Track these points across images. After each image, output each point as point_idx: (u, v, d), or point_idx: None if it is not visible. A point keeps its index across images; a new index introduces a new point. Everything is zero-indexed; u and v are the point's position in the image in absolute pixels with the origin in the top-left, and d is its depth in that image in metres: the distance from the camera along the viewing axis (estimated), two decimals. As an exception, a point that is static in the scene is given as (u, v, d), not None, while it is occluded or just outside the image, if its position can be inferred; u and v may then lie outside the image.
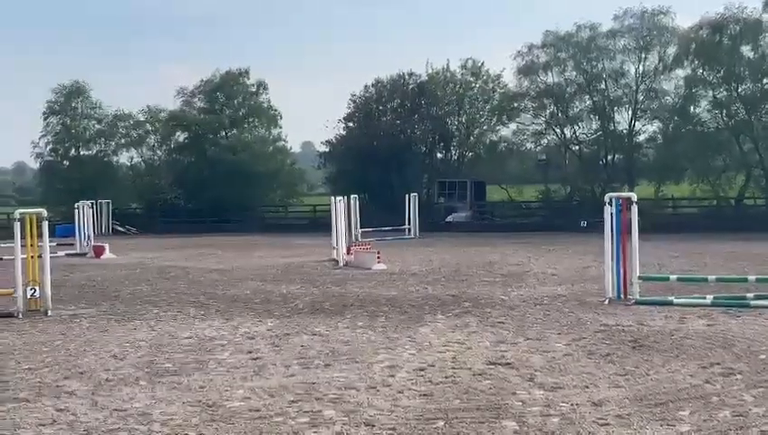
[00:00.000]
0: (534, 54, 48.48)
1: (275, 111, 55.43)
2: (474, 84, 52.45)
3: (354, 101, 54.04)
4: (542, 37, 48.10)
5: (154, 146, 56.73)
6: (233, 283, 19.49)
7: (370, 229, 34.88)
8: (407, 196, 38.70)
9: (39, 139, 55.18)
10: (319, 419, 7.43)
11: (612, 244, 14.95)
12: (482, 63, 52.55)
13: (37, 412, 7.85)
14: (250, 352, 10.71)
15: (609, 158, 48.73)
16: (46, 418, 7.65)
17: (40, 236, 15.45)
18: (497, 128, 52.73)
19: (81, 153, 55.48)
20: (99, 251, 29.42)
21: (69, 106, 54.81)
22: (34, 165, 62.34)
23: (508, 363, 9.67)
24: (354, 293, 17.08)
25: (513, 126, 51.58)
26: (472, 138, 53.25)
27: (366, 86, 53.95)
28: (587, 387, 8.45)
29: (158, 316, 14.21)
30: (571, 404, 7.76)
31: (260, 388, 8.65)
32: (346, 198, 27.30)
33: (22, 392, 8.64)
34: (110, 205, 47.42)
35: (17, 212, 15.73)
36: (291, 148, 58.91)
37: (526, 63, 48.58)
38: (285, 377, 9.18)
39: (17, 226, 15.20)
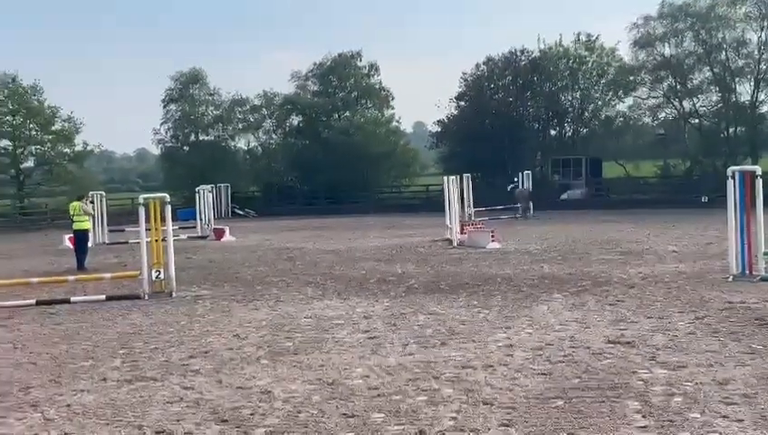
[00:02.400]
0: (651, 26, 47.25)
1: (387, 91, 55.68)
2: (588, 59, 51.45)
3: (466, 80, 53.77)
4: (658, 8, 46.85)
5: (270, 130, 57.77)
6: (349, 263, 19.72)
7: (484, 208, 34.68)
8: (520, 174, 38.31)
9: (160, 126, 57.07)
10: (437, 397, 7.46)
11: (736, 219, 14.47)
12: (596, 37, 51.56)
13: (164, 390, 8.13)
14: (367, 331, 10.83)
15: (731, 130, 47.10)
16: (173, 396, 7.92)
17: (163, 220, 15.95)
18: (613, 102, 51.70)
19: (200, 139, 56.98)
20: (219, 234, 30.22)
21: (187, 93, 56.34)
22: (156, 151, 64.44)
23: (628, 342, 9.49)
24: (469, 272, 17.05)
25: (629, 100, 50.53)
26: (586, 113, 52.29)
27: (477, 64, 53.65)
28: (711, 366, 8.22)
29: (277, 297, 14.51)
30: (695, 383, 7.57)
31: (378, 366, 8.74)
32: (459, 177, 27.22)
33: (150, 371, 8.97)
34: (229, 189, 48.61)
35: (141, 197, 16.25)
36: (403, 128, 59.06)
37: (642, 36, 47.40)
38: (402, 356, 9.25)
39: (142, 210, 15.73)
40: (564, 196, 45.90)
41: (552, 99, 51.09)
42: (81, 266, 20.65)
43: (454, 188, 25.31)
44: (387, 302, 13.40)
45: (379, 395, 7.61)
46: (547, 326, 10.73)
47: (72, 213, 21.48)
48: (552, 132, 53.66)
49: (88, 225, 21.73)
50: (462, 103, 53.77)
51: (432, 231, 27.06)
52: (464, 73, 53.55)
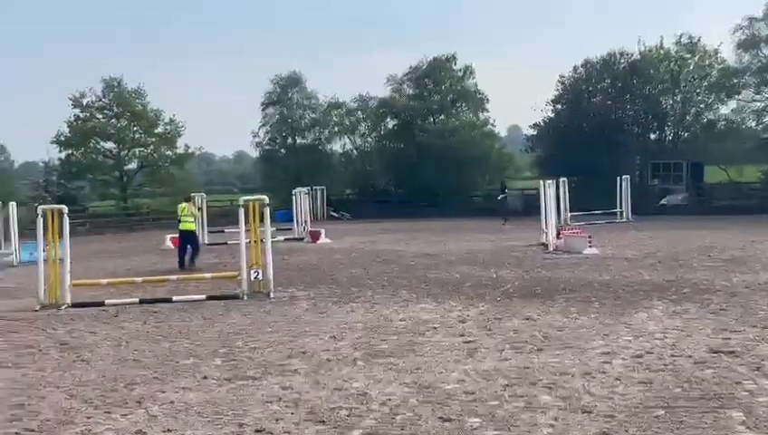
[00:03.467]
0: (755, 27, 45.78)
1: (482, 95, 55.32)
2: (689, 61, 50.11)
3: (563, 83, 53.02)
4: (764, 9, 45.31)
5: (365, 133, 58.11)
6: (443, 267, 19.70)
7: (580, 213, 34.20)
8: (618, 178, 37.63)
9: (258, 129, 57.96)
10: (534, 403, 7.40)
11: None
12: (698, 39, 50.17)
13: (264, 390, 8.28)
14: (462, 336, 10.81)
15: (844, 134, 45.27)
16: (272, 395, 8.05)
17: (262, 221, 16.22)
18: (715, 106, 50.22)
19: (297, 142, 57.69)
20: (315, 236, 30.56)
21: (286, 97, 57.14)
22: (254, 154, 65.49)
23: (732, 352, 9.23)
24: (565, 277, 16.84)
25: (732, 103, 48.98)
26: (688, 117, 50.93)
27: (575, 67, 52.81)
28: (821, 379, 7.94)
29: (372, 299, 14.61)
30: (804, 397, 7.32)
31: (474, 371, 8.72)
32: (555, 181, 26.90)
33: (249, 371, 9.14)
34: (325, 191, 49.06)
35: (242, 199, 16.55)
36: (498, 132, 58.61)
37: (747, 37, 45.97)
38: (498, 361, 9.20)
39: (241, 212, 16.03)
40: (664, 201, 44.85)
41: (651, 102, 49.93)
42: (181, 265, 21.16)
43: (550, 193, 25.02)
44: (482, 306, 13.35)
45: (475, 400, 7.59)
46: (647, 334, 10.53)
47: (179, 214, 21.99)
48: (652, 136, 52.39)
49: (193, 226, 22.19)
50: (558, 106, 53.02)
51: (527, 235, 26.79)
52: (561, 76, 52.87)
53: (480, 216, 42.19)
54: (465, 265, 19.71)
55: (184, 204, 22.33)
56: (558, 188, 28.30)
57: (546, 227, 24.30)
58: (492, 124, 56.21)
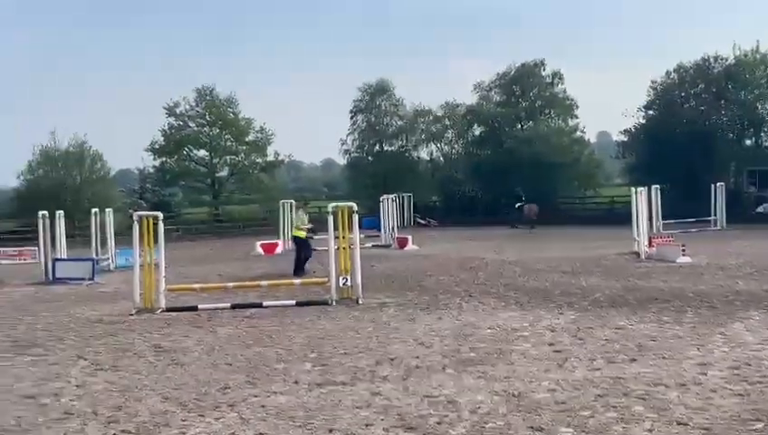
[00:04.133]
0: None
1: (571, 100, 54.71)
2: (788, 65, 48.63)
3: (654, 88, 52.01)
4: None
5: (452, 140, 58.07)
6: (531, 274, 19.52)
7: (673, 221, 33.46)
8: (712, 185, 36.74)
9: (346, 136, 58.50)
10: (627, 414, 7.27)
11: None
12: (797, 43, 48.62)
13: (353, 395, 8.34)
14: (552, 344, 10.70)
15: None
16: (362, 401, 8.10)
17: (350, 228, 16.33)
18: (816, 111, 48.62)
19: (385, 149, 57.99)
20: (402, 242, 30.64)
21: (374, 104, 57.53)
22: (341, 161, 66.05)
23: (835, 365, 8.92)
24: (658, 286, 16.50)
25: (831, 108, 47.36)
26: (786, 122, 49.43)
27: (667, 72, 51.77)
28: None
29: (460, 306, 14.57)
30: None
31: (564, 380, 8.62)
32: (647, 188, 26.40)
33: (339, 376, 9.22)
34: (412, 198, 49.14)
35: (330, 205, 16.69)
36: (587, 138, 57.81)
37: None
38: (590, 370, 9.07)
39: (330, 218, 16.17)
40: (760, 208, 43.57)
41: (747, 107, 48.63)
42: (296, 272, 21.32)
43: (642, 200, 24.56)
44: (572, 315, 13.19)
45: (566, 410, 7.50)
46: (743, 345, 10.25)
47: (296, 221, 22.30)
48: (747, 142, 51.00)
49: (303, 233, 22.31)
50: (650, 112, 52.07)
51: (618, 244, 26.33)
52: (653, 82, 51.91)
53: (569, 223, 41.68)
54: (554, 273, 19.50)
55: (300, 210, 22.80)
56: (650, 195, 27.78)
57: (638, 236, 23.86)
58: (581, 130, 55.54)
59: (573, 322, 12.50)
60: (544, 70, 54.46)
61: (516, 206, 40.12)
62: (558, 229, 38.03)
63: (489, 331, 11.93)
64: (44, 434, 7.34)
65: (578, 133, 55.22)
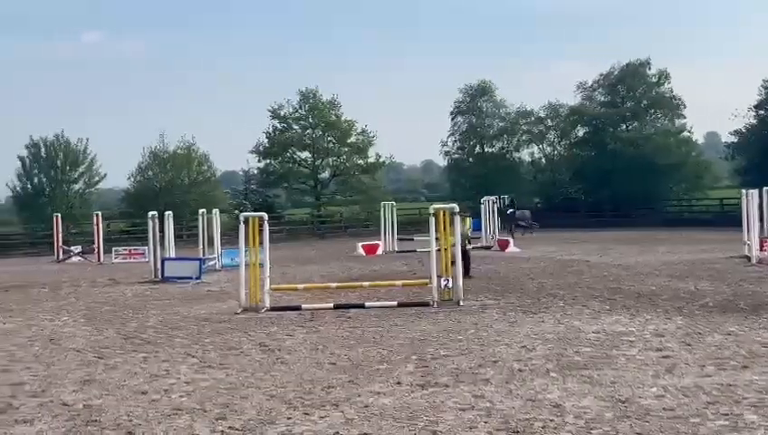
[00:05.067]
0: None
1: (678, 100, 53.36)
2: None
3: (766, 88, 50.32)
4: None
5: (554, 141, 57.41)
6: (637, 278, 19.12)
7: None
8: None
9: (447, 137, 58.48)
10: (739, 422, 7.06)
11: None
12: None
13: (456, 397, 8.32)
14: (660, 350, 10.46)
15: None
16: (465, 403, 8.07)
17: (451, 229, 16.30)
18: None
19: (485, 150, 57.74)
20: (503, 244, 30.44)
21: (475, 105, 57.37)
22: (441, 162, 66.07)
23: None
24: (771, 292, 15.97)
25: None
26: None
27: (780, 70, 49.99)
28: None
29: (563, 310, 14.38)
30: None
31: (673, 386, 8.41)
32: (758, 190, 25.54)
33: (441, 378, 9.21)
34: (513, 200, 48.72)
35: (431, 207, 16.70)
36: (695, 139, 56.31)
37: None
38: (699, 377, 8.84)
39: (432, 220, 16.18)
40: None
41: None
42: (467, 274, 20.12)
43: (752, 203, 23.79)
44: (680, 320, 12.86)
45: (675, 417, 7.33)
46: None
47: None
48: None
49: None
50: (762, 112, 50.40)
51: (727, 247, 25.58)
52: (764, 81, 50.22)
53: (675, 226, 40.71)
54: (661, 277, 19.05)
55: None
56: (761, 197, 26.87)
57: (749, 239, 23.12)
58: (688, 131, 54.13)
59: (681, 327, 12.19)
60: (650, 69, 53.32)
61: (508, 212, 39.98)
62: (664, 232, 37.17)
63: (594, 335, 11.74)
64: (155, 429, 7.54)
65: (685, 134, 53.85)
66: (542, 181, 57.01)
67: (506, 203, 41.17)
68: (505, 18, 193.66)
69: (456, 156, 58.85)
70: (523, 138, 57.54)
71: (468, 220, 21.64)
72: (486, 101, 57.50)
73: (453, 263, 15.97)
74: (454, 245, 16.14)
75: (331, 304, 15.66)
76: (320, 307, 15.46)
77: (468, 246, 20.97)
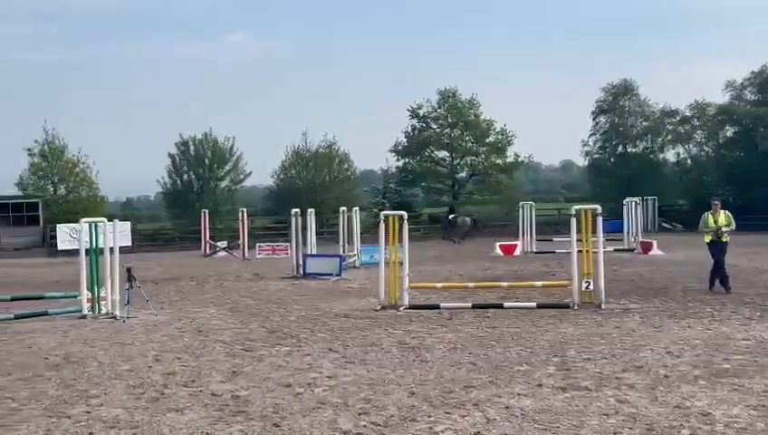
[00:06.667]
0: None
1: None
2: None
3: None
4: None
5: (701, 142, 55.53)
6: (791, 284, 18.28)
7: None
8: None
9: (588, 137, 57.47)
10: None
11: None
12: None
13: (599, 402, 8.17)
14: (817, 360, 9.98)
15: None
16: (608, 408, 7.92)
17: (594, 231, 16.00)
18: None
19: (628, 150, 56.45)
20: (646, 247, 29.66)
21: (617, 104, 56.15)
22: (581, 162, 64.96)
23: None
24: None
25: None
26: None
27: None
28: None
29: (711, 315, 13.91)
30: None
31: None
32: None
33: (583, 381, 9.06)
34: (656, 201, 47.46)
35: (573, 208, 16.44)
36: None
37: None
38: None
39: (573, 221, 15.93)
40: None
41: None
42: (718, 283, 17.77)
43: None
44: (838, 329, 12.23)
45: (834, 431, 6.98)
46: None
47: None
48: None
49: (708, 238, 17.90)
50: None
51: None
52: None
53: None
54: (817, 284, 18.15)
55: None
56: None
57: None
58: None
59: (840, 337, 11.59)
60: (807, 66, 50.87)
61: (449, 218, 38.94)
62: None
63: (744, 342, 11.30)
64: (300, 422, 7.72)
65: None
66: (687, 182, 55.20)
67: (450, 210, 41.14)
68: (646, 18, 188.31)
69: (597, 156, 57.75)
70: (668, 138, 55.90)
71: (725, 214, 17.77)
72: (629, 99, 56.18)
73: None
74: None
75: (470, 304, 15.64)
76: (458, 306, 15.47)
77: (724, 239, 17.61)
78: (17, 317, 15.17)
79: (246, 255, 33.84)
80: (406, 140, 55.38)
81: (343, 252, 26.58)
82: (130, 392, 9.10)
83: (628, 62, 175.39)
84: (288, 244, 29.23)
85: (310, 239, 26.22)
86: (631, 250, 30.32)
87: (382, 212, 17.48)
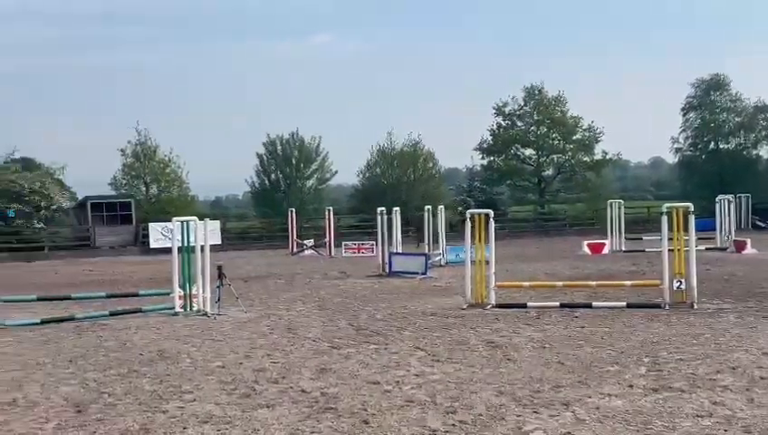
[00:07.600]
0: None
1: None
2: None
3: None
4: None
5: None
6: None
7: None
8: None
9: (678, 134, 56.34)
10: None
11: None
12: None
13: (692, 403, 7.99)
14: None
15: None
16: (702, 410, 7.75)
17: (686, 229, 15.66)
18: None
19: (720, 147, 55.12)
20: (740, 246, 28.91)
21: (708, 100, 54.88)
22: (671, 159, 63.68)
23: None
24: None
25: None
26: None
27: None
28: None
29: (809, 316, 13.48)
30: None
31: None
32: None
33: (676, 383, 8.88)
34: (749, 199, 46.19)
35: (665, 206, 16.13)
36: None
37: None
38: None
39: (664, 219, 15.62)
40: None
41: None
42: None
43: None
44: None
45: None
46: None
47: None
48: None
49: None
50: None
51: None
52: None
53: None
54: None
55: None
56: None
57: None
58: None
59: None
60: None
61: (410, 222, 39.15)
62: None
63: None
64: (389, 420, 7.76)
65: None
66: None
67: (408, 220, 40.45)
68: (735, 8, 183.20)
69: (688, 153, 56.54)
70: (762, 133, 54.39)
71: None
72: (721, 95, 54.83)
73: None
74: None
75: (557, 303, 15.47)
76: (545, 305, 15.33)
77: None
78: (112, 314, 15.62)
79: (333, 253, 34.13)
80: (491, 137, 55.13)
81: (429, 250, 26.60)
82: (222, 388, 9.28)
83: (718, 57, 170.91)
84: (373, 242, 29.40)
85: (395, 238, 26.33)
86: (724, 249, 29.59)
87: (468, 210, 17.41)
